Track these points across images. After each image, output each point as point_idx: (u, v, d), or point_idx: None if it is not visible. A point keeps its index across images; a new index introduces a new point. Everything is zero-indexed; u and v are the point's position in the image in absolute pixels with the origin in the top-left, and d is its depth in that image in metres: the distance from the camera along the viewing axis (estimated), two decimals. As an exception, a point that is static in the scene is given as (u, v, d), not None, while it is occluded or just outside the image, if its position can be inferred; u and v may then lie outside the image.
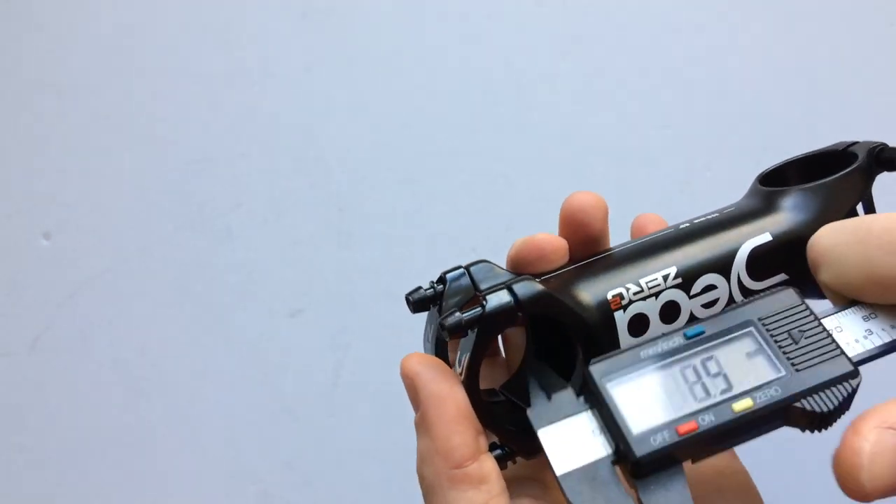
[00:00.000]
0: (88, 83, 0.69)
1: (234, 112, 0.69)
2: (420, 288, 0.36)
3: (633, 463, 0.29)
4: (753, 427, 0.30)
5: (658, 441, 0.29)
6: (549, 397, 0.32)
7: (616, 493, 0.29)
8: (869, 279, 0.30)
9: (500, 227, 0.66)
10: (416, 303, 0.36)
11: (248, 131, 0.68)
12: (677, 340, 0.32)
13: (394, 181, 0.67)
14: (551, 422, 0.31)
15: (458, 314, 0.33)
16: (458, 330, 0.33)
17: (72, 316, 0.66)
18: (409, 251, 0.66)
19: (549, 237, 0.36)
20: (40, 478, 0.64)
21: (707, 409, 0.30)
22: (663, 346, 0.32)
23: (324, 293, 0.66)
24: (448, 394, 0.32)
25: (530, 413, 0.32)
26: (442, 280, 0.36)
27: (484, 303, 0.33)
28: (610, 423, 0.30)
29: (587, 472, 0.30)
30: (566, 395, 0.32)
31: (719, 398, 0.30)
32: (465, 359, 0.34)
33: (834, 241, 0.31)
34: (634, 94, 0.67)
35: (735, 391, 0.30)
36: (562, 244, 0.36)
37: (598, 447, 0.31)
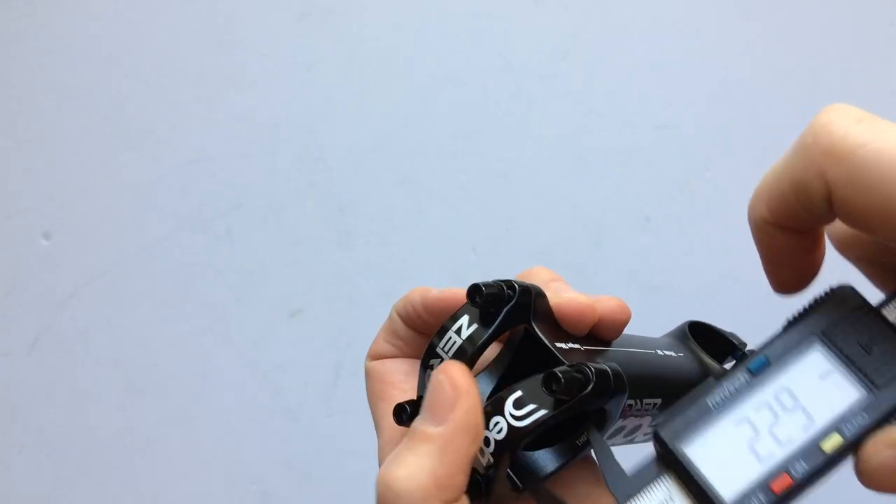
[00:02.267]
0: (88, 83, 0.69)
1: (234, 112, 0.69)
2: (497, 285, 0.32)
3: None
4: (843, 459, 0.28)
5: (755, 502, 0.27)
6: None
7: None
8: None
9: (499, 227, 0.66)
10: (487, 298, 0.31)
11: (248, 131, 0.68)
12: (742, 378, 0.29)
13: (394, 181, 0.67)
14: (629, 496, 0.28)
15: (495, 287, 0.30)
16: (482, 297, 0.30)
17: (72, 316, 0.66)
18: (409, 251, 0.66)
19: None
20: (40, 478, 0.64)
21: (795, 455, 0.28)
22: (729, 387, 0.29)
23: (324, 293, 0.66)
24: (476, 433, 0.29)
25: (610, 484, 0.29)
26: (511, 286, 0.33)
27: (511, 291, 0.31)
28: (695, 491, 0.28)
29: None
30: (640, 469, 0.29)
31: (805, 439, 0.28)
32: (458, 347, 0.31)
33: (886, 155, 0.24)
34: (634, 94, 0.67)
35: (818, 426, 0.28)
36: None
37: None
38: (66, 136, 0.69)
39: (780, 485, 0.27)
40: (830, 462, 0.28)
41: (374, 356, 0.37)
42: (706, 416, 0.29)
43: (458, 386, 0.28)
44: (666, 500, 0.29)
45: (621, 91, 0.67)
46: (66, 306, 0.66)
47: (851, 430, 0.28)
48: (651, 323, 0.64)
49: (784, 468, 0.28)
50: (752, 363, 0.29)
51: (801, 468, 0.28)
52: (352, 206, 0.67)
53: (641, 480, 0.29)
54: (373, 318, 0.61)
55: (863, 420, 0.28)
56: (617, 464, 0.29)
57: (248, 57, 0.69)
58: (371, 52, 0.69)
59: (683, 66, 0.68)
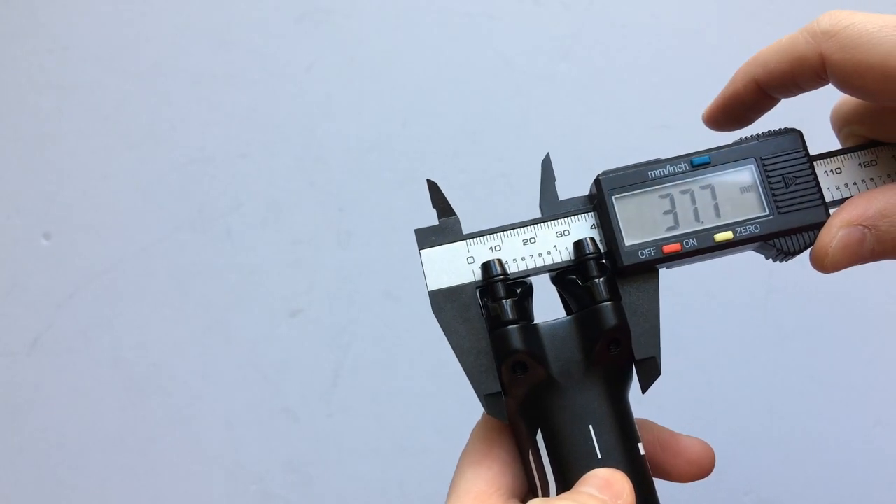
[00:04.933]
0: (88, 83, 0.69)
1: (234, 112, 0.69)
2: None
3: (619, 270, 0.35)
4: (724, 253, 0.35)
5: (644, 255, 0.35)
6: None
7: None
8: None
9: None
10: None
11: (248, 131, 0.68)
12: (683, 166, 0.36)
13: (394, 181, 0.67)
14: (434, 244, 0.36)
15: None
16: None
17: (72, 316, 0.66)
18: (409, 251, 0.66)
19: None
20: (40, 478, 0.64)
21: (692, 233, 0.35)
22: (670, 168, 0.36)
23: (324, 293, 0.66)
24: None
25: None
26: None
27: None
28: (608, 232, 0.35)
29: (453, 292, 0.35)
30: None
31: (706, 226, 0.35)
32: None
33: (868, 24, 0.31)
34: (634, 94, 0.67)
35: (721, 222, 0.35)
36: None
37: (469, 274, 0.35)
38: (66, 136, 0.69)
39: (670, 249, 0.35)
40: (715, 248, 0.35)
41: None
42: (642, 181, 0.36)
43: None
44: (584, 229, 0.36)
45: (621, 91, 0.67)
46: (66, 306, 0.66)
47: (743, 234, 0.35)
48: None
49: (679, 240, 0.35)
50: (696, 158, 0.36)
51: (691, 244, 0.35)
52: (352, 206, 0.67)
53: (570, 208, 0.37)
54: (373, 319, 0.61)
55: (755, 230, 0.35)
56: (555, 190, 0.37)
57: (248, 57, 0.69)
58: (371, 52, 0.69)
59: (683, 66, 0.68)
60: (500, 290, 0.35)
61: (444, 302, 0.35)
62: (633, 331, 0.34)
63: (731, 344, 0.62)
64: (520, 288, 0.36)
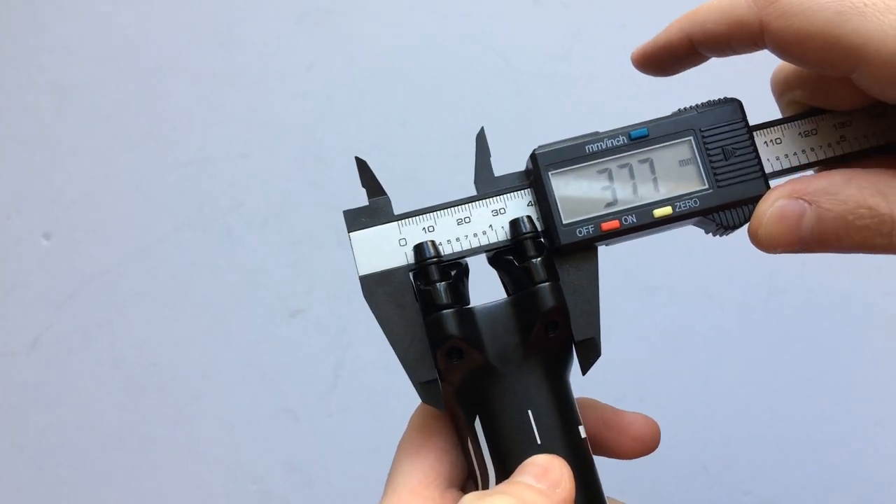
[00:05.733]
0: (88, 83, 0.69)
1: (234, 112, 0.69)
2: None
3: (557, 248, 0.34)
4: (664, 228, 0.34)
5: (582, 233, 0.34)
6: None
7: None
8: (825, 37, 0.30)
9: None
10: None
11: (248, 131, 0.68)
12: (621, 140, 0.35)
13: (394, 181, 0.67)
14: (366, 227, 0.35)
15: None
16: None
17: (72, 316, 0.66)
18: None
19: None
20: (40, 478, 0.64)
21: (631, 209, 0.34)
22: (608, 143, 0.35)
23: (324, 293, 0.66)
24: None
25: None
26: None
27: None
28: (544, 209, 0.34)
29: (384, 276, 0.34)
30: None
31: (644, 201, 0.34)
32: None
33: None
34: (634, 94, 0.67)
35: (660, 196, 0.34)
36: None
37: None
38: (66, 136, 0.69)
39: (608, 226, 0.34)
40: (654, 224, 0.34)
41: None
42: (579, 157, 0.34)
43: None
44: (521, 207, 0.35)
45: (621, 91, 0.67)
46: (66, 306, 0.66)
47: (682, 208, 0.34)
48: (651, 323, 0.65)
49: (618, 216, 0.34)
50: (635, 131, 0.35)
51: (630, 220, 0.34)
52: (352, 206, 0.67)
53: (505, 185, 0.36)
54: (373, 318, 0.61)
55: (694, 205, 0.34)
56: (490, 167, 0.37)
57: (248, 57, 0.69)
58: (371, 52, 0.69)
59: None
60: (433, 273, 0.33)
61: (376, 287, 0.34)
62: (571, 311, 0.33)
63: (731, 344, 0.62)
64: (454, 270, 0.35)
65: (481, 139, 0.37)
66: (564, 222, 0.34)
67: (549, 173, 0.34)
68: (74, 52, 0.70)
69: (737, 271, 0.62)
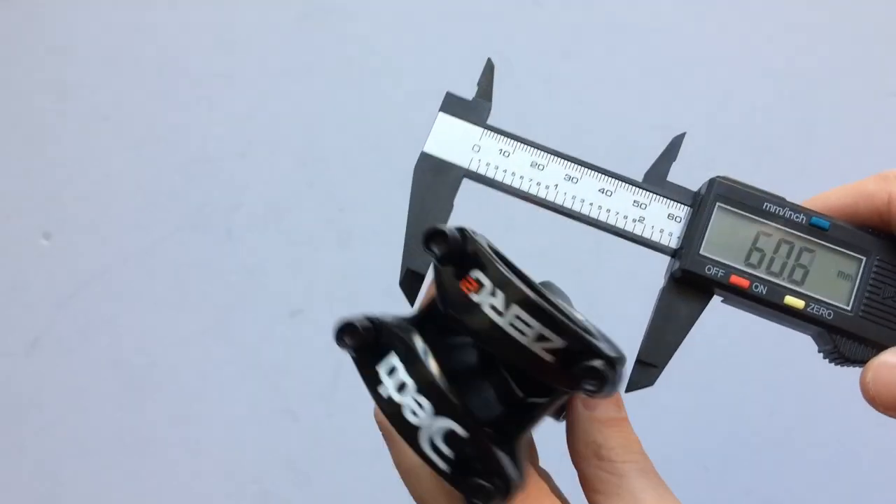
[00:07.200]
0: (88, 83, 0.69)
1: (234, 112, 0.69)
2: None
3: (677, 270, 0.33)
4: (784, 318, 0.33)
5: (710, 272, 0.33)
6: None
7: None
8: None
9: (499, 227, 0.65)
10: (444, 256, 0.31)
11: (248, 131, 0.68)
12: (801, 218, 0.34)
13: (394, 181, 0.67)
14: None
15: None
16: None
17: (72, 316, 0.66)
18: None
19: None
20: (40, 478, 0.64)
21: (767, 281, 0.33)
22: (787, 213, 0.34)
23: (324, 293, 0.66)
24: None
25: None
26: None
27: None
28: (691, 231, 0.34)
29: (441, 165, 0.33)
30: None
31: (783, 283, 0.33)
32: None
33: None
34: (634, 94, 0.67)
35: (800, 289, 0.33)
36: None
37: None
38: (66, 136, 0.69)
39: (737, 281, 0.33)
40: (778, 307, 0.33)
41: None
42: (753, 207, 0.34)
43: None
44: (660, 215, 0.35)
45: (621, 91, 0.67)
46: (66, 306, 0.66)
47: (812, 312, 0.33)
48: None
49: (751, 279, 0.34)
50: (816, 218, 0.34)
51: (759, 290, 0.33)
52: (352, 206, 0.67)
53: (669, 190, 0.36)
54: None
55: (826, 315, 0.33)
56: (668, 170, 0.37)
57: (248, 57, 0.69)
58: (371, 52, 0.69)
59: (683, 66, 0.68)
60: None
61: (428, 168, 0.35)
62: (654, 333, 0.33)
63: (731, 344, 0.62)
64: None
65: (676, 141, 0.38)
66: (701, 252, 0.33)
67: (718, 204, 0.34)
68: (74, 52, 0.70)
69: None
